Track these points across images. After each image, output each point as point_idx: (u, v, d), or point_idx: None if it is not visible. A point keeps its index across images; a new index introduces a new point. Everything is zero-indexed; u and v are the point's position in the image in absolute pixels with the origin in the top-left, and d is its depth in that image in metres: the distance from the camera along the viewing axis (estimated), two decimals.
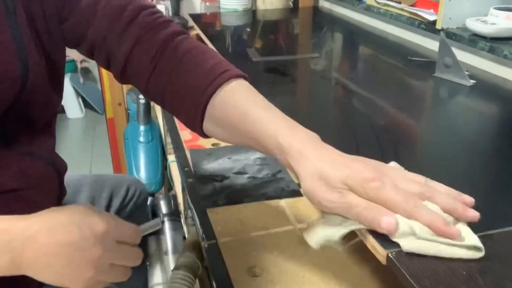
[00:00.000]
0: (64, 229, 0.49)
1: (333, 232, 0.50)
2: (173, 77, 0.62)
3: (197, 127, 0.62)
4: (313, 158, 0.50)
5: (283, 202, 0.80)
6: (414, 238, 0.48)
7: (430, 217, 0.46)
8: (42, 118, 0.68)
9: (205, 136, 0.64)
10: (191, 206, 0.80)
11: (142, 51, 0.64)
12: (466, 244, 0.49)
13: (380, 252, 0.53)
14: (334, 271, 0.65)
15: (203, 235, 0.73)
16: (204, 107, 0.60)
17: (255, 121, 0.54)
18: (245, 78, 0.62)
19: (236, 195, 0.82)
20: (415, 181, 0.50)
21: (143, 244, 1.10)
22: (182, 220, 1.20)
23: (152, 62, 0.64)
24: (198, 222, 0.76)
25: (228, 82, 0.59)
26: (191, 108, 0.61)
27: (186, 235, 1.13)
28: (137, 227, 0.58)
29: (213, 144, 1.01)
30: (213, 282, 0.64)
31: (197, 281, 0.81)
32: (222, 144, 1.01)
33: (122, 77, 0.68)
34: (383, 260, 0.53)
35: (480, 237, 0.54)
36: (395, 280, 0.52)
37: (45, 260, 0.48)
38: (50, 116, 0.70)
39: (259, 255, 0.68)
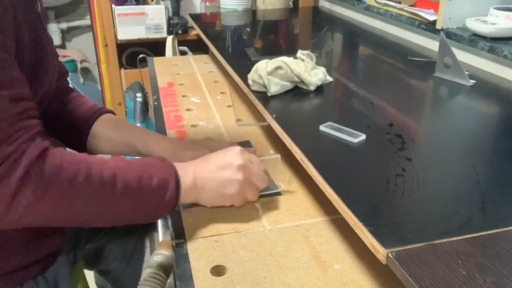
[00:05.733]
0: (221, 172, 0.73)
1: None
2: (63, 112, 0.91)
3: (82, 145, 0.90)
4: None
5: (257, 203, 0.80)
6: None
7: None
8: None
9: (88, 153, 0.91)
10: None
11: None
12: None
13: (380, 251, 0.53)
14: (297, 273, 0.64)
15: (173, 234, 0.73)
16: (89, 129, 0.89)
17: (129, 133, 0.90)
18: (113, 113, 0.95)
19: None
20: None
21: (139, 243, 1.10)
22: None
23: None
24: (170, 221, 0.76)
25: (105, 113, 0.92)
26: (79, 131, 0.89)
27: None
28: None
29: None
30: (176, 280, 0.64)
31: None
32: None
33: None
34: (383, 259, 0.53)
35: (481, 237, 0.54)
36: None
37: (213, 192, 0.73)
38: None
39: (225, 255, 0.68)
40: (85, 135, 0.90)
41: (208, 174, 0.72)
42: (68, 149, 0.65)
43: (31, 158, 0.58)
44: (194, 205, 0.79)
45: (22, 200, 0.57)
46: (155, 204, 0.67)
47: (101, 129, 0.90)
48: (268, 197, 0.81)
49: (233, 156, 0.74)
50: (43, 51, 0.73)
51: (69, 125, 0.90)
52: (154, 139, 0.88)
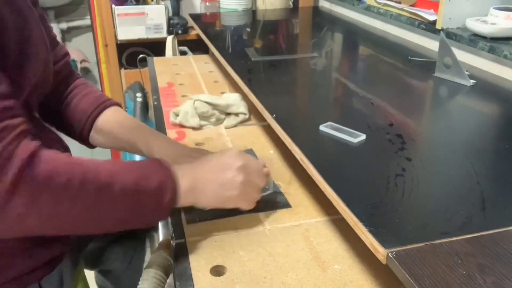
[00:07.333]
0: (220, 173, 0.71)
1: None
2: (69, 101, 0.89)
3: (84, 138, 0.89)
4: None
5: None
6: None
7: None
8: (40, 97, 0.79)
9: (90, 145, 0.91)
10: None
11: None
12: None
13: (380, 251, 0.53)
14: (297, 273, 0.64)
15: (173, 234, 0.73)
16: (92, 122, 0.87)
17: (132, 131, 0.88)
18: (119, 105, 0.93)
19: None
20: None
21: (140, 243, 1.10)
22: None
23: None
24: (169, 221, 0.76)
25: (110, 107, 0.90)
26: (81, 124, 0.88)
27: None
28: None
29: (197, 144, 1.01)
30: (176, 280, 0.64)
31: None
32: (206, 144, 1.01)
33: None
34: (383, 259, 0.53)
35: (481, 237, 0.54)
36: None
37: (213, 194, 0.70)
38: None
39: (225, 255, 0.68)
40: (87, 129, 0.88)
41: (208, 176, 0.70)
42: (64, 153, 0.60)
43: (20, 163, 0.53)
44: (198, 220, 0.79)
45: (13, 210, 0.53)
46: (153, 208, 0.65)
47: (104, 124, 0.87)
48: (270, 198, 0.80)
49: (232, 157, 0.72)
50: (27, 33, 0.66)
51: (72, 117, 0.88)
52: (158, 143, 0.85)
